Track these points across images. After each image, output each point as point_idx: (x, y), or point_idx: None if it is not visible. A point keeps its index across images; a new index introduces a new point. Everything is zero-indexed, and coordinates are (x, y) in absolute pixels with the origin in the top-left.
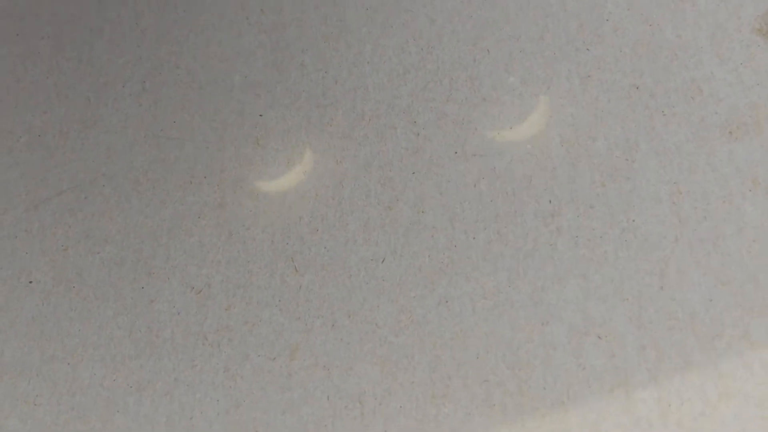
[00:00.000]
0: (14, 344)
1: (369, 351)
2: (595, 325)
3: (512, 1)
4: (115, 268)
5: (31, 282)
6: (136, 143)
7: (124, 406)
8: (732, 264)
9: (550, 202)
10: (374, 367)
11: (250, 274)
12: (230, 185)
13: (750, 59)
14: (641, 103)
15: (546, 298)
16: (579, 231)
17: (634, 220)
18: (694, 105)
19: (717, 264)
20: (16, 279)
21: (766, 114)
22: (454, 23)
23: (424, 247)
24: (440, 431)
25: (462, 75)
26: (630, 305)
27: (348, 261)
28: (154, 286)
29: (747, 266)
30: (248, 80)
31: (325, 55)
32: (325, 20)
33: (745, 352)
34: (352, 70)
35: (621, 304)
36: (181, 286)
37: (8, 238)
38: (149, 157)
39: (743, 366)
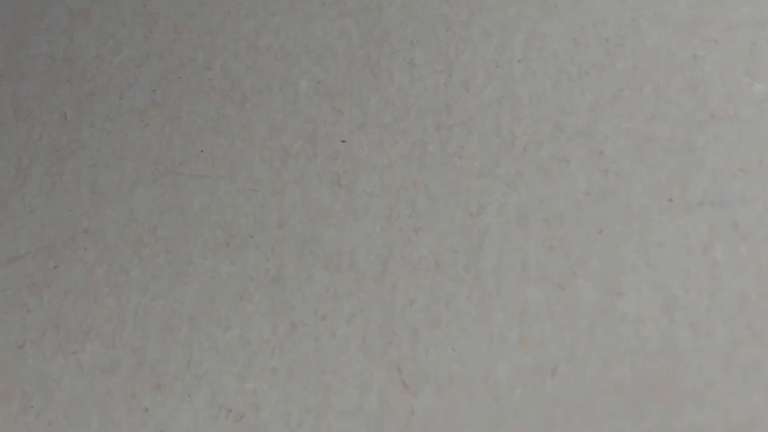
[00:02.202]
0: None
1: None
2: None
3: None
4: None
5: None
6: (140, 183)
7: None
8: None
9: None
10: None
11: (330, 392)
12: (290, 247)
13: None
14: None
15: None
16: None
17: None
18: None
19: None
20: None
21: None
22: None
23: (622, 349)
24: None
25: (677, 78)
26: None
27: (493, 372)
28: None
29: None
30: (321, 87)
31: (447, 50)
32: None
33: None
34: (492, 72)
35: None
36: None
37: None
38: (161, 204)
39: None
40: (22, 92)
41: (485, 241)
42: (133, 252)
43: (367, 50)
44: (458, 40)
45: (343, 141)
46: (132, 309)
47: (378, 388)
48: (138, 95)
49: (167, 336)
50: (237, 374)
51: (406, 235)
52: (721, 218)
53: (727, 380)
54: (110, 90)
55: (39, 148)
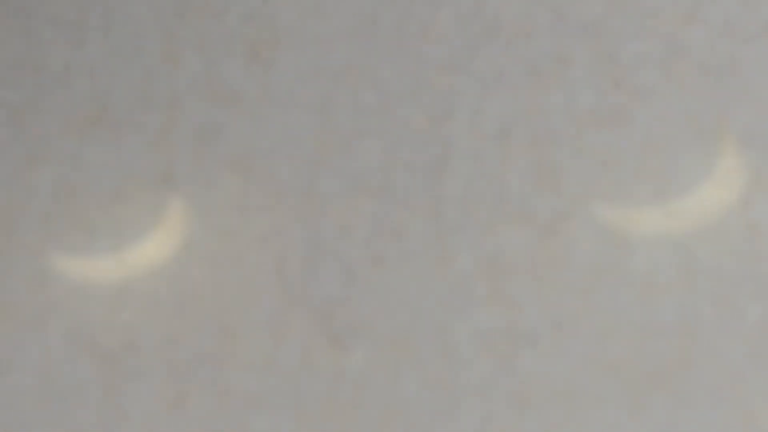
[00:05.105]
0: None
1: None
2: None
3: None
4: None
5: None
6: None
7: None
8: None
9: None
10: None
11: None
12: (184, 135)
13: None
14: None
15: None
16: None
17: None
18: None
19: None
20: None
21: None
22: None
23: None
24: None
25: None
26: None
27: (451, 332)
28: None
29: None
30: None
31: None
32: None
33: None
34: None
35: None
36: None
37: None
38: (11, 54)
39: None
40: None
41: (450, 159)
42: None
43: None
44: None
45: None
46: None
47: (298, 339)
48: None
49: (13, 238)
50: (108, 302)
51: (344, 138)
52: (765, 166)
53: (754, 373)
54: None
55: None
